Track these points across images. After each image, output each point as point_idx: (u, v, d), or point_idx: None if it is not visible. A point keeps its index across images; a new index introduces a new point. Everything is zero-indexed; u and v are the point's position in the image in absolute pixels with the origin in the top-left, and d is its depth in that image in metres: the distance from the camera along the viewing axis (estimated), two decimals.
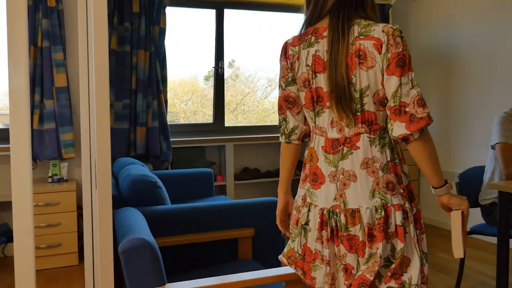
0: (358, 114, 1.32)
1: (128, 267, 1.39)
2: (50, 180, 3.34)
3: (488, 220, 2.60)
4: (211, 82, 4.35)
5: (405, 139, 1.31)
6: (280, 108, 1.47)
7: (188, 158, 3.96)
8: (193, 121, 4.45)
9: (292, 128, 1.46)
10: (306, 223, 1.37)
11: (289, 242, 1.46)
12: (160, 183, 2.33)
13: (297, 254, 1.40)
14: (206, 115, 4.48)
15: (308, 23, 1.41)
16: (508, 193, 2.10)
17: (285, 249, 1.47)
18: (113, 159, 3.57)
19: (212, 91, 4.31)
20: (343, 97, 1.31)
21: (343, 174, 1.33)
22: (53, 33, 3.33)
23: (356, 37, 1.29)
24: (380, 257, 1.26)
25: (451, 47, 4.06)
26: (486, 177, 2.60)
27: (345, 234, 1.30)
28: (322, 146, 1.38)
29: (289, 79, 1.43)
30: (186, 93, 4.52)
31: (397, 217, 1.28)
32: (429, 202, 4.39)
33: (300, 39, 1.41)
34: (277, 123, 4.70)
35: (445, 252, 3.50)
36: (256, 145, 4.36)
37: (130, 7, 3.61)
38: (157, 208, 2.16)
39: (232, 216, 2.24)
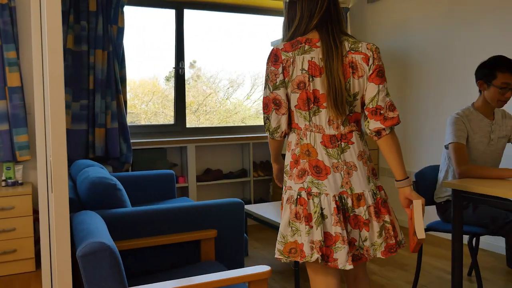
0: (351, 114, 1.61)
1: (87, 272, 1.35)
2: (3, 183, 3.20)
3: (443, 217, 2.69)
4: (172, 82, 4.30)
5: (379, 132, 1.61)
6: (265, 107, 1.65)
7: (149, 159, 3.90)
8: (154, 122, 4.38)
9: (275, 127, 1.65)
10: (324, 212, 1.56)
11: (287, 236, 1.59)
12: (119, 185, 2.28)
13: (322, 243, 1.53)
14: (167, 116, 4.42)
15: (294, 35, 1.64)
16: (461, 191, 2.19)
17: (280, 246, 1.61)
18: (71, 161, 3.46)
19: (173, 91, 4.27)
20: (340, 99, 1.56)
21: (345, 165, 1.59)
22: (5, 31, 3.20)
23: (348, 51, 1.59)
24: (389, 224, 1.61)
25: (406, 51, 4.20)
26: (441, 175, 2.70)
27: (351, 214, 1.58)
28: (321, 142, 1.60)
29: (277, 83, 1.61)
30: (146, 94, 4.44)
31: (382, 195, 1.65)
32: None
33: (293, 46, 1.60)
34: (239, 124, 4.72)
35: (404, 249, 3.61)
36: (218, 146, 4.35)
37: (87, 5, 3.52)
38: (117, 211, 2.11)
39: (194, 218, 2.22)
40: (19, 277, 3.01)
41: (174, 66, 4.23)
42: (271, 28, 4.80)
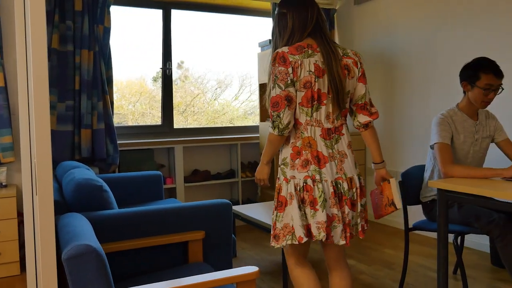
0: (343, 110, 1.87)
1: (72, 275, 1.34)
2: None
3: (429, 216, 2.72)
4: (160, 83, 4.28)
5: (366, 125, 1.94)
6: (276, 105, 1.78)
7: (136, 161, 3.87)
8: (141, 123, 4.36)
9: (286, 124, 1.79)
10: (325, 196, 1.79)
11: (301, 221, 1.76)
12: (106, 187, 2.26)
13: (324, 224, 1.75)
14: (155, 117, 4.40)
15: (289, 41, 1.86)
16: (446, 191, 2.21)
17: (303, 230, 1.76)
18: (57, 163, 3.43)
19: (161, 92, 4.25)
20: (341, 96, 1.82)
21: (338, 154, 1.85)
22: None
23: (342, 56, 1.85)
24: (363, 205, 1.89)
25: (392, 52, 4.23)
26: (426, 175, 2.73)
27: (348, 197, 1.82)
28: (320, 135, 1.83)
29: (289, 81, 1.77)
30: (134, 95, 4.41)
31: (361, 181, 1.90)
32: None
33: (298, 50, 1.80)
34: (227, 125, 4.72)
35: (390, 248, 3.64)
36: (206, 146, 4.34)
37: (72, 5, 3.48)
38: (103, 213, 2.09)
39: (181, 219, 2.21)
40: (4, 281, 2.97)
41: (161, 67, 4.21)
42: (259, 29, 4.81)
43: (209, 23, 4.53)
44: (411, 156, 4.10)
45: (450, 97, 3.69)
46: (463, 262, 3.23)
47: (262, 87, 4.41)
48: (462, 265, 2.53)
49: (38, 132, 1.31)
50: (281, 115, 1.77)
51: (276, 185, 1.90)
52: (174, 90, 4.31)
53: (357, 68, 1.87)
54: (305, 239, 1.75)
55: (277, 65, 1.78)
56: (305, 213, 1.78)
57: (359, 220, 1.87)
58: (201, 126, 4.54)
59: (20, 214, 3.16)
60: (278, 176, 1.89)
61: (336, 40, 4.86)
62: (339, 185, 1.81)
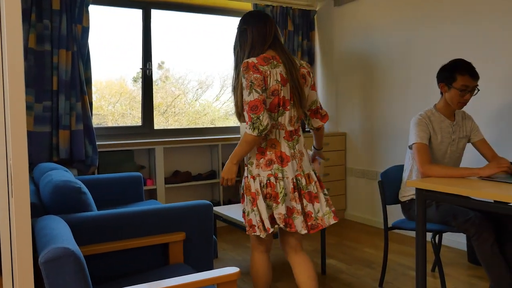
0: (300, 115, 2.09)
1: (50, 279, 1.31)
2: None
3: (407, 215, 2.76)
4: (140, 83, 4.24)
5: (319, 128, 2.23)
6: (255, 108, 1.93)
7: (116, 162, 3.83)
8: (121, 124, 4.31)
9: (266, 125, 1.94)
10: (286, 191, 2.01)
11: (263, 213, 1.98)
12: (84, 189, 2.22)
13: (285, 215, 1.98)
14: (135, 118, 4.36)
15: (251, 54, 2.04)
16: (424, 190, 2.25)
17: (268, 222, 1.98)
18: (34, 164, 3.36)
19: (141, 93, 4.21)
20: (302, 101, 2.05)
21: (299, 153, 2.07)
22: None
23: (299, 66, 2.09)
24: (327, 195, 2.10)
25: (371, 53, 4.29)
26: (405, 175, 2.77)
27: (306, 191, 2.03)
28: (284, 136, 2.04)
29: (264, 87, 1.96)
30: (114, 95, 4.36)
31: (317, 174, 2.13)
32: (355, 201, 4.60)
33: (265, 61, 1.99)
34: (208, 126, 4.70)
35: (370, 247, 3.68)
36: (187, 147, 4.32)
37: (50, 3, 3.43)
38: (82, 215, 2.06)
39: (162, 220, 2.20)
40: None
41: (141, 67, 4.18)
42: None
43: (189, 24, 4.51)
44: (390, 156, 4.16)
45: (428, 98, 3.75)
46: (441, 260, 3.28)
47: None
48: (440, 263, 2.57)
49: (14, 133, 1.28)
50: (261, 117, 1.92)
51: (245, 183, 2.07)
52: (154, 90, 4.28)
53: (310, 77, 2.12)
54: (271, 230, 2.00)
55: (251, 72, 1.94)
56: (268, 205, 2.01)
57: (328, 209, 2.08)
58: (182, 127, 4.51)
59: None
60: (245, 175, 2.09)
61: (316, 41, 4.90)
62: (298, 181, 2.03)
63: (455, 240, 3.61)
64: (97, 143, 3.70)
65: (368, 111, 4.37)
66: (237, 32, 2.12)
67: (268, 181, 1.99)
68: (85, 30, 3.59)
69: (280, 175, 2.00)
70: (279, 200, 1.98)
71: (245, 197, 2.07)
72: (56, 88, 3.49)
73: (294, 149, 2.04)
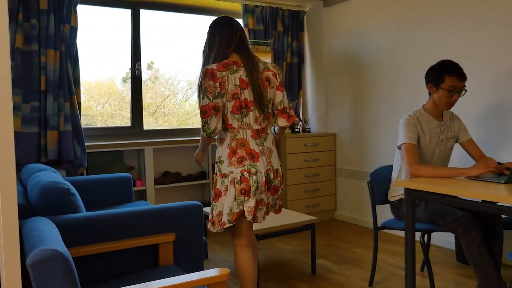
0: (266, 114, 2.26)
1: (38, 281, 1.30)
2: None
3: (396, 215, 2.78)
4: (129, 84, 4.21)
5: (284, 127, 2.35)
6: (204, 113, 2.13)
7: (105, 163, 3.80)
8: (110, 125, 4.28)
9: (213, 129, 2.14)
10: (258, 185, 2.16)
11: (234, 208, 2.13)
12: (73, 190, 2.20)
13: (253, 208, 2.13)
14: (124, 118, 4.33)
15: (217, 58, 2.19)
16: (413, 190, 2.27)
17: (229, 217, 2.14)
18: (21, 165, 3.33)
19: (130, 93, 4.18)
20: (262, 103, 2.19)
21: (267, 150, 2.23)
22: None
23: (263, 69, 2.23)
24: (282, 190, 2.34)
25: (360, 54, 4.31)
26: (394, 175, 2.78)
27: (272, 185, 2.23)
28: (251, 135, 2.20)
29: (216, 94, 2.12)
30: (103, 95, 4.33)
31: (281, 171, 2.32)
32: (345, 201, 4.62)
33: (225, 67, 2.14)
34: (198, 126, 4.68)
35: (360, 247, 3.70)
36: (176, 148, 4.30)
37: (37, 3, 3.39)
38: (70, 217, 2.04)
39: (151, 221, 2.19)
40: None
41: (130, 67, 4.15)
42: None
43: (179, 24, 4.49)
44: (379, 156, 4.18)
45: (416, 99, 3.78)
46: (430, 259, 3.31)
47: None
48: (428, 262, 2.59)
49: (1, 134, 1.27)
50: (209, 122, 2.12)
51: (214, 179, 2.26)
52: (144, 91, 4.26)
53: (276, 78, 2.25)
54: (228, 225, 2.14)
55: (207, 79, 2.12)
56: (242, 201, 2.14)
57: (278, 201, 2.33)
58: (171, 128, 4.50)
59: None
60: (215, 172, 2.25)
61: (306, 41, 4.91)
62: (268, 175, 2.20)
63: (443, 240, 3.65)
64: (86, 143, 3.67)
65: (358, 111, 4.39)
66: (206, 36, 2.29)
67: (242, 176, 2.14)
68: (73, 30, 3.56)
69: (253, 170, 2.15)
70: (251, 194, 2.13)
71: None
72: (44, 88, 3.45)
73: (262, 146, 2.21)
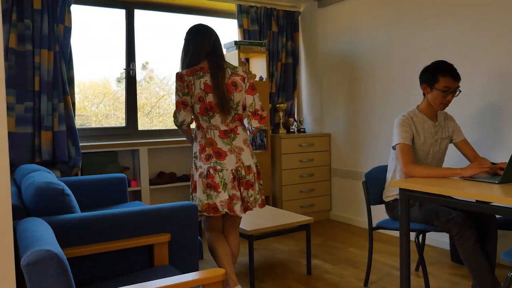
0: (236, 116, 2.44)
1: (32, 282, 1.29)
2: None
3: (391, 215, 2.79)
4: (124, 84, 4.20)
5: (259, 128, 2.49)
6: (176, 107, 2.42)
7: (99, 163, 3.79)
8: (105, 125, 4.27)
9: (181, 121, 2.43)
10: (226, 181, 2.37)
11: (203, 200, 2.40)
12: (67, 191, 2.19)
13: (226, 202, 2.37)
14: (119, 119, 4.32)
15: (190, 62, 2.41)
16: (407, 190, 2.28)
17: (199, 208, 2.40)
18: (15, 166, 3.31)
19: (125, 93, 4.17)
20: (226, 106, 2.37)
21: (237, 148, 2.41)
22: None
23: (230, 75, 2.41)
24: (261, 185, 2.52)
25: (355, 55, 4.32)
26: (389, 175, 2.79)
27: (244, 180, 2.41)
28: (218, 135, 2.41)
29: (185, 92, 2.40)
30: (97, 96, 4.31)
31: (258, 168, 2.50)
32: (340, 201, 4.63)
33: (192, 73, 2.38)
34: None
35: (355, 247, 3.71)
36: (171, 148, 4.29)
37: (31, 3, 3.37)
38: (65, 217, 2.03)
39: (146, 222, 2.18)
40: None
41: (125, 68, 4.14)
42: (224, 31, 4.80)
43: (173, 24, 4.49)
44: (374, 156, 4.20)
45: (411, 99, 3.80)
46: (425, 259, 3.33)
47: None
48: (423, 262, 2.60)
49: None
50: (177, 115, 2.42)
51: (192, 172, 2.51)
52: (138, 91, 4.25)
53: (244, 83, 2.42)
54: (200, 214, 2.35)
55: (176, 81, 2.40)
56: (210, 195, 2.37)
57: (258, 196, 2.49)
58: (166, 128, 4.49)
59: None
60: (192, 166, 2.52)
61: (301, 42, 4.92)
62: (238, 172, 2.38)
63: (438, 240, 3.66)
64: (80, 144, 3.65)
65: (352, 112, 4.41)
66: (183, 42, 2.50)
67: (208, 172, 2.37)
68: (67, 30, 3.54)
69: (218, 167, 2.37)
70: (219, 190, 2.36)
71: None
72: (38, 89, 3.44)
73: (231, 145, 2.40)
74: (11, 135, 3.35)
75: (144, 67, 4.43)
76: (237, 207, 2.39)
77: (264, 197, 2.53)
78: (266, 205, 3.52)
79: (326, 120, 4.73)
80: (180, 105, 2.40)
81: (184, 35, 2.48)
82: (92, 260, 2.05)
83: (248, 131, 2.59)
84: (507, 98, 3.15)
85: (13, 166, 3.30)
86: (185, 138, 4.25)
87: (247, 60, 4.58)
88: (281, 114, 4.64)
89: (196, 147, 2.48)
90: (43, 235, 1.50)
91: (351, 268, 3.22)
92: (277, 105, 4.61)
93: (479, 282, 2.33)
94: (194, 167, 2.50)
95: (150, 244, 2.17)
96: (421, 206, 2.61)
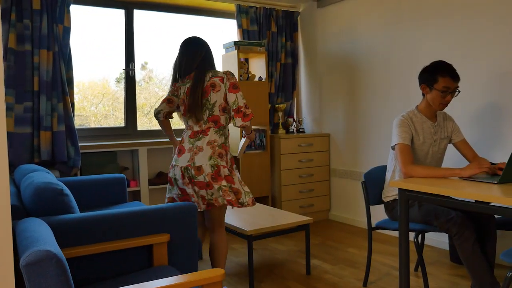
0: (210, 117, 2.49)
1: (31, 282, 1.29)
2: None
3: (390, 215, 2.79)
4: (123, 84, 4.20)
5: (244, 126, 2.49)
6: (161, 103, 2.71)
7: (99, 163, 3.79)
8: (104, 125, 4.26)
9: (157, 111, 2.72)
10: (176, 177, 2.53)
11: (167, 193, 2.63)
12: (66, 191, 2.19)
13: (180, 196, 2.58)
14: (118, 119, 4.31)
15: (181, 74, 2.60)
16: (407, 190, 2.28)
17: (166, 199, 2.64)
18: (15, 166, 3.31)
19: (124, 93, 4.17)
20: (195, 107, 2.47)
21: (196, 148, 2.47)
22: None
23: (210, 77, 2.50)
24: (225, 187, 2.45)
25: (354, 55, 4.32)
26: (388, 175, 2.79)
27: (195, 180, 2.44)
28: (189, 135, 2.53)
29: (175, 93, 2.65)
30: (96, 96, 4.31)
31: (225, 171, 2.46)
32: (339, 201, 4.63)
33: (182, 82, 2.60)
34: None
35: (354, 247, 3.71)
36: (171, 148, 4.29)
37: (30, 3, 3.37)
38: (64, 217, 2.03)
39: (146, 222, 2.18)
40: None
41: (124, 68, 4.14)
42: (223, 31, 4.80)
43: (172, 24, 4.49)
44: (373, 156, 4.20)
45: (410, 99, 3.80)
46: (424, 259, 3.33)
47: None
48: (422, 263, 2.61)
49: None
50: (158, 105, 2.71)
51: None
52: (138, 91, 4.25)
53: (223, 83, 2.48)
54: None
55: (170, 86, 2.70)
56: (169, 189, 2.60)
57: (219, 197, 2.47)
58: None
59: None
60: None
61: (300, 42, 4.92)
62: (188, 171, 2.44)
63: (437, 240, 3.66)
64: (79, 144, 3.65)
65: (352, 112, 4.41)
66: (177, 53, 2.65)
67: (171, 167, 2.58)
68: (67, 30, 3.54)
69: (174, 163, 2.53)
70: (173, 184, 2.57)
71: None
72: (37, 89, 3.43)
73: (193, 145, 2.48)
74: (10, 135, 3.35)
75: (143, 67, 4.42)
76: (199, 203, 2.51)
77: (232, 198, 2.46)
78: (266, 205, 3.52)
79: (326, 120, 4.73)
80: (165, 99, 2.68)
81: (179, 46, 2.63)
82: (91, 260, 2.04)
83: (243, 137, 2.69)
84: (507, 98, 3.15)
85: (12, 166, 3.30)
86: None
87: (247, 60, 4.58)
88: (280, 114, 4.64)
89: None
90: (42, 235, 1.50)
91: (350, 268, 3.22)
92: (276, 105, 4.61)
93: (478, 282, 2.33)
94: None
95: (149, 244, 2.17)
96: (420, 206, 2.61)
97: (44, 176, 2.31)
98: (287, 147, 4.41)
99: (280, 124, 4.63)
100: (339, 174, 4.59)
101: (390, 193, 2.75)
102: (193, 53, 2.55)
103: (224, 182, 2.45)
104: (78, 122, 4.09)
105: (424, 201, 2.27)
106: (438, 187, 2.09)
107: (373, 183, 2.84)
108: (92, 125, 4.22)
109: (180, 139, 2.63)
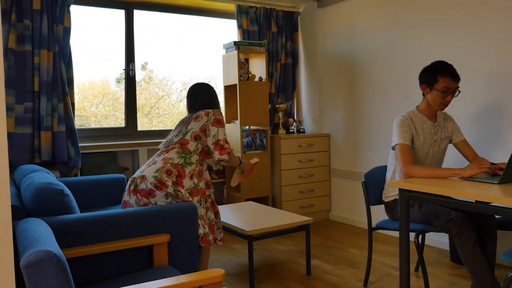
0: (179, 140, 2.61)
1: (32, 282, 1.29)
2: None
3: (391, 215, 2.79)
4: (123, 84, 4.20)
5: (222, 160, 2.58)
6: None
7: (99, 164, 3.79)
8: (104, 125, 4.27)
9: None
10: (127, 186, 2.58)
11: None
12: (67, 191, 2.19)
13: (126, 204, 2.59)
14: (118, 119, 4.32)
15: (192, 108, 2.79)
16: (407, 190, 2.28)
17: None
18: (15, 166, 3.31)
19: (124, 94, 4.17)
20: (170, 140, 2.67)
21: (152, 162, 2.56)
22: None
23: (197, 113, 2.66)
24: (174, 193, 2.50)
25: (354, 55, 4.32)
26: (388, 175, 2.79)
27: (139, 188, 2.47)
28: (157, 154, 2.65)
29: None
30: (96, 96, 4.31)
31: (164, 181, 2.46)
32: (338, 201, 4.63)
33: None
34: None
35: (354, 247, 3.71)
36: None
37: (30, 3, 3.37)
38: (64, 217, 2.03)
39: (146, 222, 2.18)
40: None
41: (124, 68, 4.14)
42: (223, 31, 4.81)
43: (173, 24, 4.49)
44: (373, 157, 4.20)
45: (410, 99, 3.80)
46: (424, 259, 3.33)
47: (227, 89, 4.41)
48: (423, 263, 2.60)
49: None
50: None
51: None
52: (138, 91, 4.25)
53: (207, 116, 2.62)
54: None
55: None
56: None
57: (169, 200, 2.50)
58: (166, 128, 4.49)
59: None
60: None
61: (300, 42, 4.92)
62: (135, 180, 2.52)
63: (437, 240, 3.66)
64: (79, 144, 3.65)
65: (352, 112, 4.41)
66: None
67: None
68: (67, 31, 3.54)
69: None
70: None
71: None
72: (37, 89, 3.44)
73: (152, 159, 2.61)
74: (10, 136, 3.35)
75: (143, 67, 4.43)
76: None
77: (205, 235, 2.52)
78: (266, 206, 3.52)
79: (326, 121, 4.73)
80: None
81: (188, 90, 2.88)
82: (91, 261, 2.04)
83: (214, 165, 2.92)
84: (507, 98, 3.15)
85: (13, 167, 3.30)
86: None
87: (247, 60, 4.58)
88: (280, 114, 4.64)
89: None
90: (43, 236, 1.50)
91: (350, 268, 3.22)
92: (277, 106, 4.61)
93: (479, 282, 2.33)
94: None
95: (150, 245, 2.17)
96: (421, 206, 2.61)
97: (45, 177, 2.31)
98: (287, 147, 4.41)
99: (280, 124, 4.63)
100: (339, 174, 4.59)
101: (390, 193, 2.75)
102: (197, 98, 2.79)
103: (171, 189, 2.44)
104: (79, 123, 4.09)
105: (425, 201, 2.27)
106: (438, 187, 2.09)
107: (373, 183, 2.84)
108: (92, 126, 4.22)
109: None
